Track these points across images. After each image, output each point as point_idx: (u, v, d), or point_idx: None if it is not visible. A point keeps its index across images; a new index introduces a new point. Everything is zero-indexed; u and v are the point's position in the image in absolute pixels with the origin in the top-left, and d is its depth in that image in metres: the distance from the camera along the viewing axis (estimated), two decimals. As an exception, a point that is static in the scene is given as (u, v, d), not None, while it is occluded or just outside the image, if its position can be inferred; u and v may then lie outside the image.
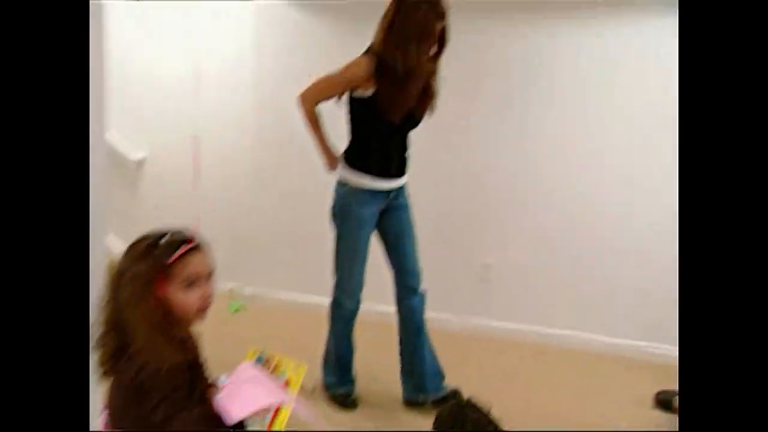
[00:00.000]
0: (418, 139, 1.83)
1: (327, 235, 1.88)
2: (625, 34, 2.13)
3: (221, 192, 2.58)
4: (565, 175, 2.25)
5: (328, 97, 1.59)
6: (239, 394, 1.04)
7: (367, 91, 1.50)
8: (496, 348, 2.19)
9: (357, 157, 1.62)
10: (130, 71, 2.56)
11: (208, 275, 1.05)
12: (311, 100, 1.60)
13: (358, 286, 1.72)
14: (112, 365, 0.99)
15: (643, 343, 2.23)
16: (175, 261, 0.97)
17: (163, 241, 0.99)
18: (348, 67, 1.50)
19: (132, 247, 1.01)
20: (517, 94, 2.27)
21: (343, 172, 1.65)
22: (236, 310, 2.54)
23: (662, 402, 1.85)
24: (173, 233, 1.03)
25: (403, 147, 1.66)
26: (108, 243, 1.38)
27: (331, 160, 1.66)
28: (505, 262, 2.36)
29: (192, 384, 1.02)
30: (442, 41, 1.50)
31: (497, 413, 1.02)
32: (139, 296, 0.95)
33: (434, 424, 1.00)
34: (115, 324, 0.99)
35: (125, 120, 2.62)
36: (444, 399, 1.67)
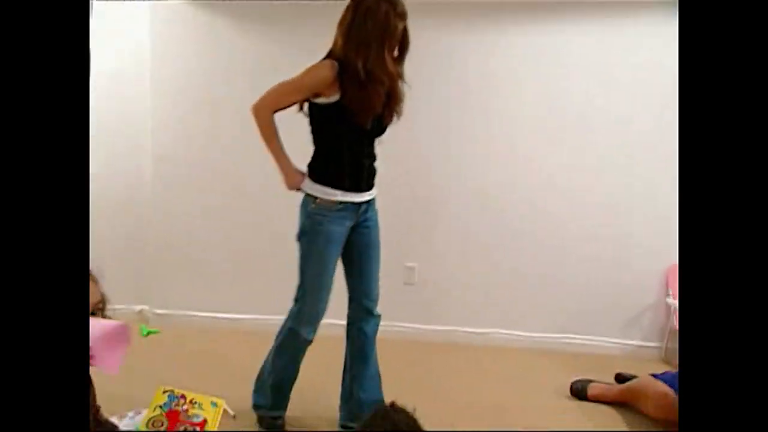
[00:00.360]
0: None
1: (239, 252, 2.04)
2: (556, 38, 2.29)
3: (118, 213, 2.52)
4: (487, 178, 2.39)
5: (286, 106, 1.51)
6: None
7: (332, 97, 1.44)
8: (422, 349, 2.27)
9: (325, 169, 1.54)
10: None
11: (100, 304, 1.17)
12: (267, 109, 1.49)
13: (321, 314, 1.65)
14: None
15: (558, 335, 2.42)
16: None
17: None
18: (307, 73, 1.43)
19: None
20: (441, 98, 2.36)
21: (310, 187, 1.56)
22: (148, 334, 2.49)
23: (577, 391, 1.99)
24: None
25: (371, 156, 1.60)
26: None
27: (294, 176, 1.54)
28: (428, 265, 2.48)
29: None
30: (404, 42, 1.48)
31: (422, 412, 1.07)
32: None
33: (360, 426, 1.04)
34: None
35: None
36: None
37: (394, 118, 1.56)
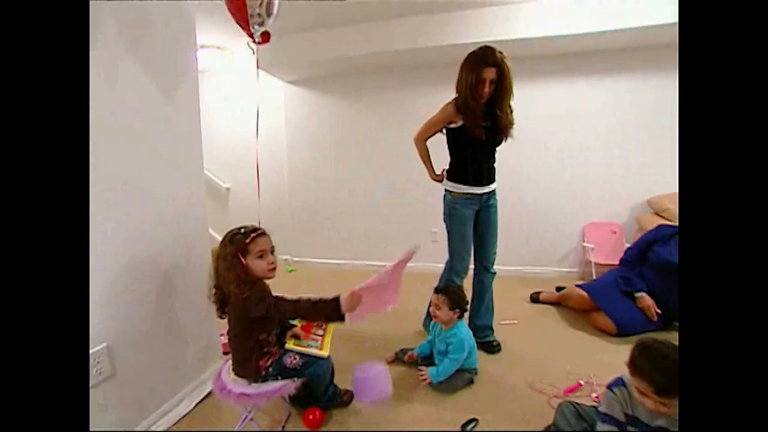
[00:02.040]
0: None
1: (344, 224, 3.19)
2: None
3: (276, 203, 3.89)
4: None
5: (432, 134, 2.04)
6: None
7: (458, 123, 1.89)
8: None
9: (456, 171, 1.98)
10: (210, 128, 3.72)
11: (271, 250, 1.37)
12: (421, 138, 2.06)
13: (465, 268, 2.03)
14: (223, 310, 1.40)
15: (521, 267, 3.44)
16: (249, 242, 1.32)
17: (242, 231, 1.35)
18: (442, 110, 1.92)
19: (224, 238, 1.36)
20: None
21: (448, 184, 2.03)
22: (290, 271, 3.75)
23: (533, 298, 2.79)
24: (247, 227, 1.38)
25: (489, 160, 1.97)
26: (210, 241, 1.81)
27: (438, 177, 2.11)
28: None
29: (276, 301, 1.29)
30: (500, 83, 1.79)
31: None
32: (231, 265, 1.30)
33: (629, 361, 1.08)
34: (218, 285, 1.37)
35: (213, 161, 4.01)
36: (487, 343, 2.06)
37: (503, 138, 1.94)
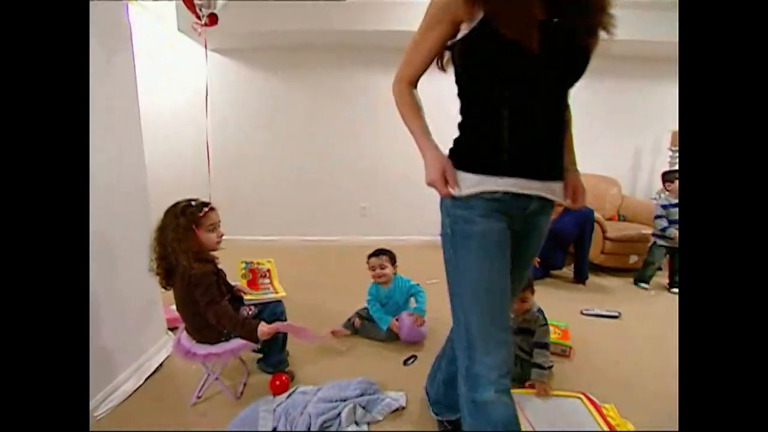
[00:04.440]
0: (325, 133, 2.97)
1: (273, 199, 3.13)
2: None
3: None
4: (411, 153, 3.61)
5: (421, 65, 0.95)
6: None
7: (476, 18, 0.81)
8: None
9: (473, 144, 0.92)
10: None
11: (219, 223, 1.45)
12: (404, 78, 0.97)
13: (499, 363, 1.00)
14: (167, 281, 1.42)
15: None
16: (203, 215, 1.38)
17: (192, 203, 1.39)
18: (430, 5, 0.88)
19: (170, 210, 1.38)
20: (380, 114, 3.60)
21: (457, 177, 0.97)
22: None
23: None
24: (195, 200, 1.40)
25: (552, 116, 0.90)
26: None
27: (446, 190, 0.91)
28: (374, 204, 3.77)
29: (218, 282, 1.44)
30: None
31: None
32: (183, 237, 1.34)
33: None
34: (164, 256, 1.37)
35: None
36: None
37: (585, 62, 0.86)
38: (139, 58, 1.69)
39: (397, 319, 1.99)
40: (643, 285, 2.90)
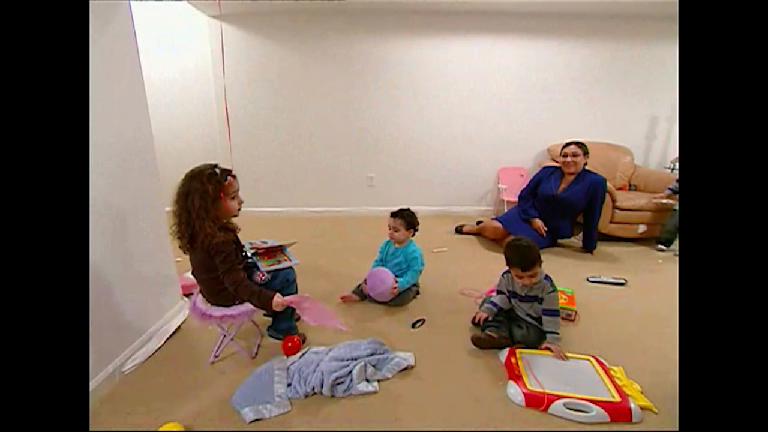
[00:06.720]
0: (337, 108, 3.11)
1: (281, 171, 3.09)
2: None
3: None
4: (418, 128, 3.62)
5: None
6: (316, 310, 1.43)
7: None
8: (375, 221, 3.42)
9: None
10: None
11: (239, 190, 1.47)
12: None
13: None
14: (189, 246, 1.42)
15: (446, 206, 3.94)
16: (228, 183, 1.40)
17: (218, 171, 1.38)
18: None
19: (195, 175, 1.36)
20: (386, 83, 3.51)
21: None
22: None
23: (458, 230, 3.35)
24: (220, 167, 1.39)
25: None
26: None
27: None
28: (381, 174, 3.75)
29: (237, 250, 1.46)
30: None
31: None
32: (211, 205, 1.35)
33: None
34: (187, 222, 1.38)
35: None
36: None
37: None
38: (142, 29, 1.64)
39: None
40: (660, 247, 2.95)
